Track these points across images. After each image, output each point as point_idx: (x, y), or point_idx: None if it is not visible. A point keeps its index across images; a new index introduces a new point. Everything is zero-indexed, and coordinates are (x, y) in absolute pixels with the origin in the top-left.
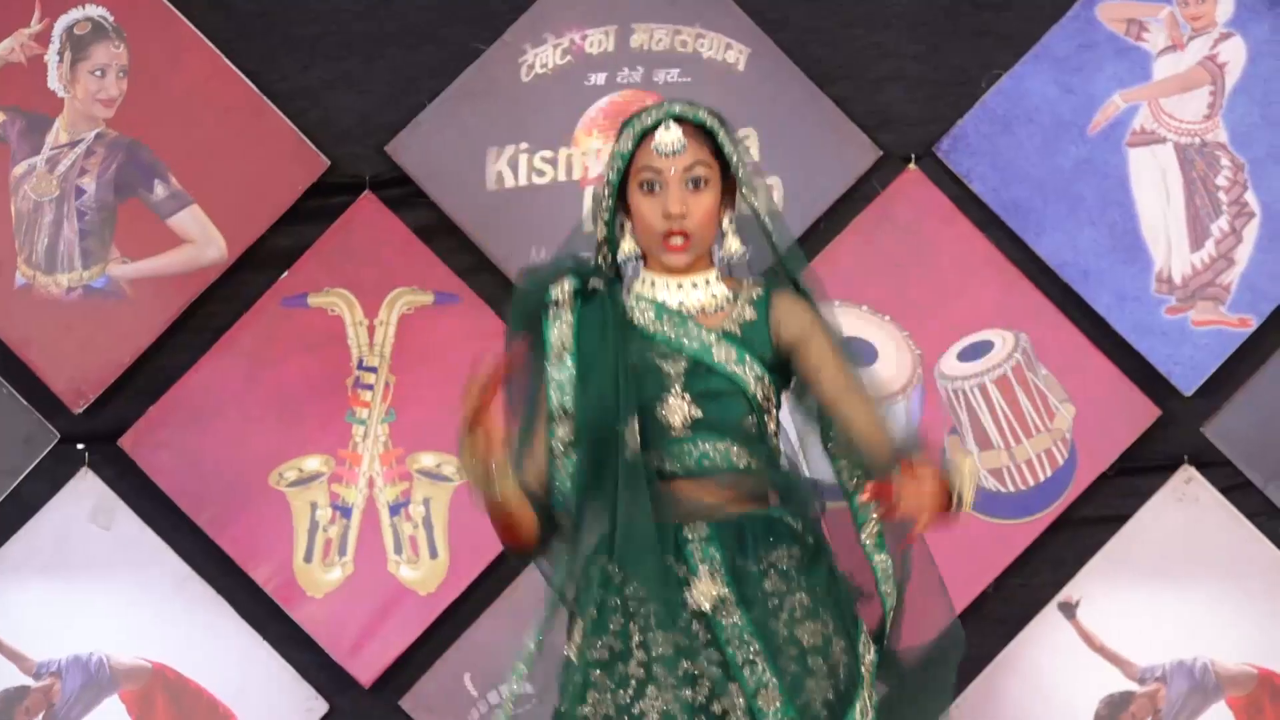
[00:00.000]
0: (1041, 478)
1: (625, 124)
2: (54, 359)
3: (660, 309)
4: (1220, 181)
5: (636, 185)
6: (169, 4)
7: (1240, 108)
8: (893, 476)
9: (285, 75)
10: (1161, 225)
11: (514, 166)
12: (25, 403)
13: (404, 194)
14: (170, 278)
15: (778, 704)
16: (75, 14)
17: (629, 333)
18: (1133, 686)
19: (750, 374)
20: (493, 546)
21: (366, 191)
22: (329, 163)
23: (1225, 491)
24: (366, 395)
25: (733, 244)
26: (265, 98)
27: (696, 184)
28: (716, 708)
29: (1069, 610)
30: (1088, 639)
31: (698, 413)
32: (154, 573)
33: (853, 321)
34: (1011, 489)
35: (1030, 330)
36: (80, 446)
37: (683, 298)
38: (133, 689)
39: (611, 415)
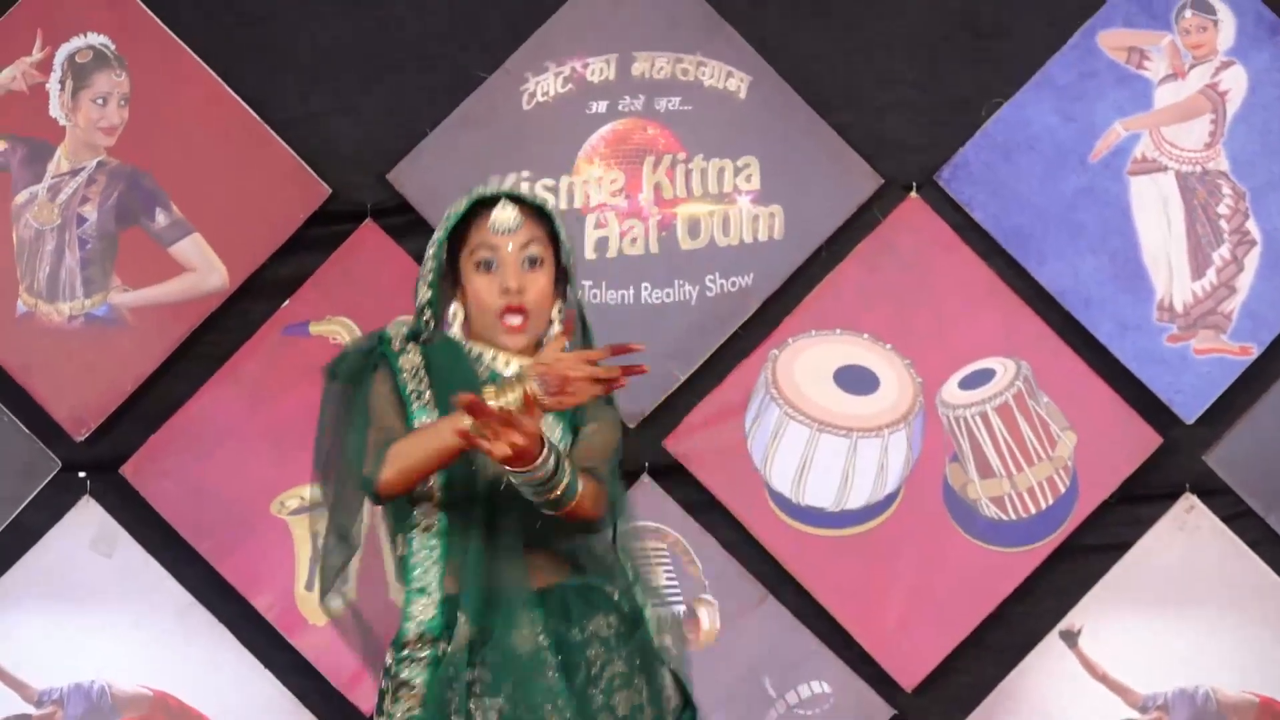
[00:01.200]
0: (1043, 506)
1: (464, 196)
2: (55, 387)
3: (492, 374)
4: (1222, 210)
5: (472, 265)
6: (170, 32)
7: (1241, 136)
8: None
9: (287, 103)
10: (1163, 253)
11: None
12: (27, 430)
13: (406, 222)
14: (172, 305)
15: None
16: (77, 42)
17: (477, 380)
18: (1135, 715)
19: (564, 446)
20: None
21: (368, 219)
22: (330, 190)
23: (1227, 520)
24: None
25: (557, 330)
26: (267, 126)
27: (533, 263)
28: None
29: (1071, 639)
30: (1090, 667)
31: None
32: (156, 601)
33: (854, 349)
34: (1013, 517)
35: (1032, 358)
36: (82, 474)
37: (501, 368)
38: (134, 717)
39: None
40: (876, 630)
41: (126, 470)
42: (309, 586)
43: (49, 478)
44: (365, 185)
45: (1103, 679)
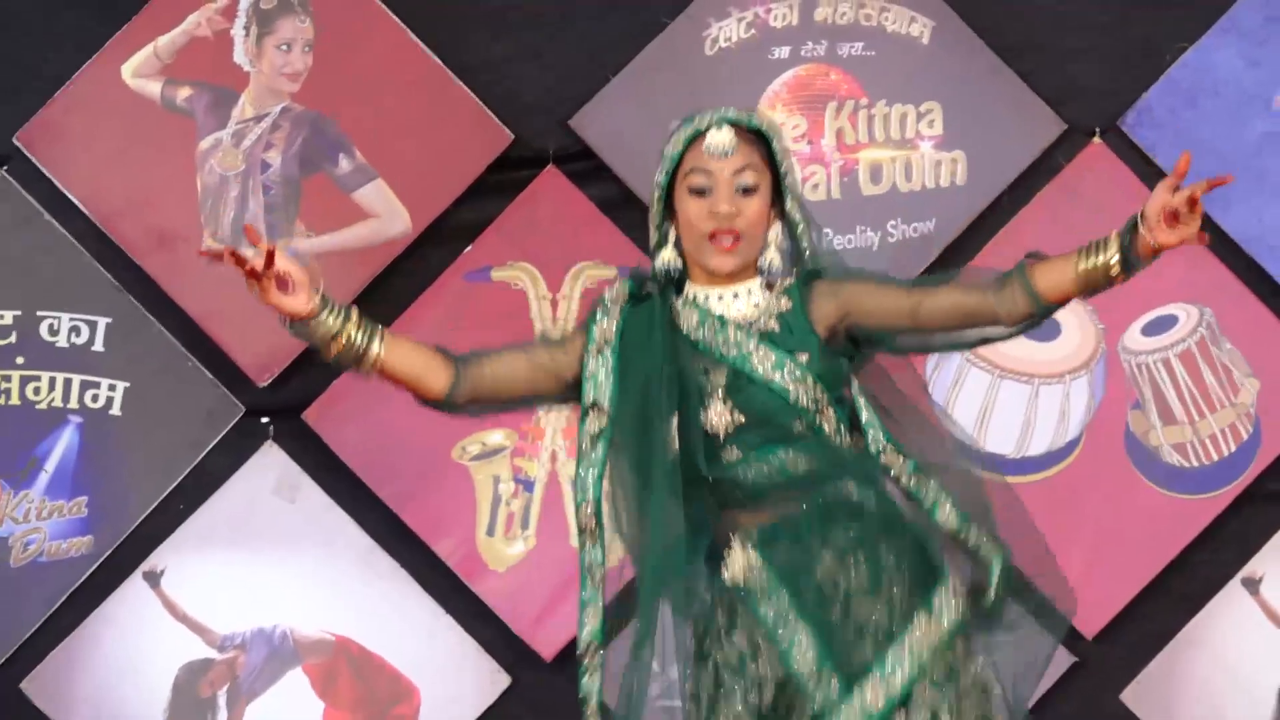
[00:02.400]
0: (1225, 453)
1: (677, 127)
2: (239, 333)
3: (704, 314)
4: None
5: (685, 189)
6: None
7: None
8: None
9: (469, 49)
10: None
11: None
12: (211, 376)
13: (587, 168)
14: (355, 251)
15: (811, 654)
16: None
17: (676, 337)
18: None
19: (789, 379)
20: None
21: (550, 165)
22: (513, 136)
23: None
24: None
25: (774, 258)
26: (450, 72)
27: (747, 191)
28: (781, 708)
29: (1253, 586)
30: (1272, 615)
31: (741, 419)
32: (338, 546)
33: None
34: (1195, 464)
35: (1215, 305)
36: (265, 420)
37: (724, 308)
38: (316, 662)
39: (655, 411)
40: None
41: (309, 416)
42: (490, 532)
43: (233, 423)
44: (547, 131)
45: None
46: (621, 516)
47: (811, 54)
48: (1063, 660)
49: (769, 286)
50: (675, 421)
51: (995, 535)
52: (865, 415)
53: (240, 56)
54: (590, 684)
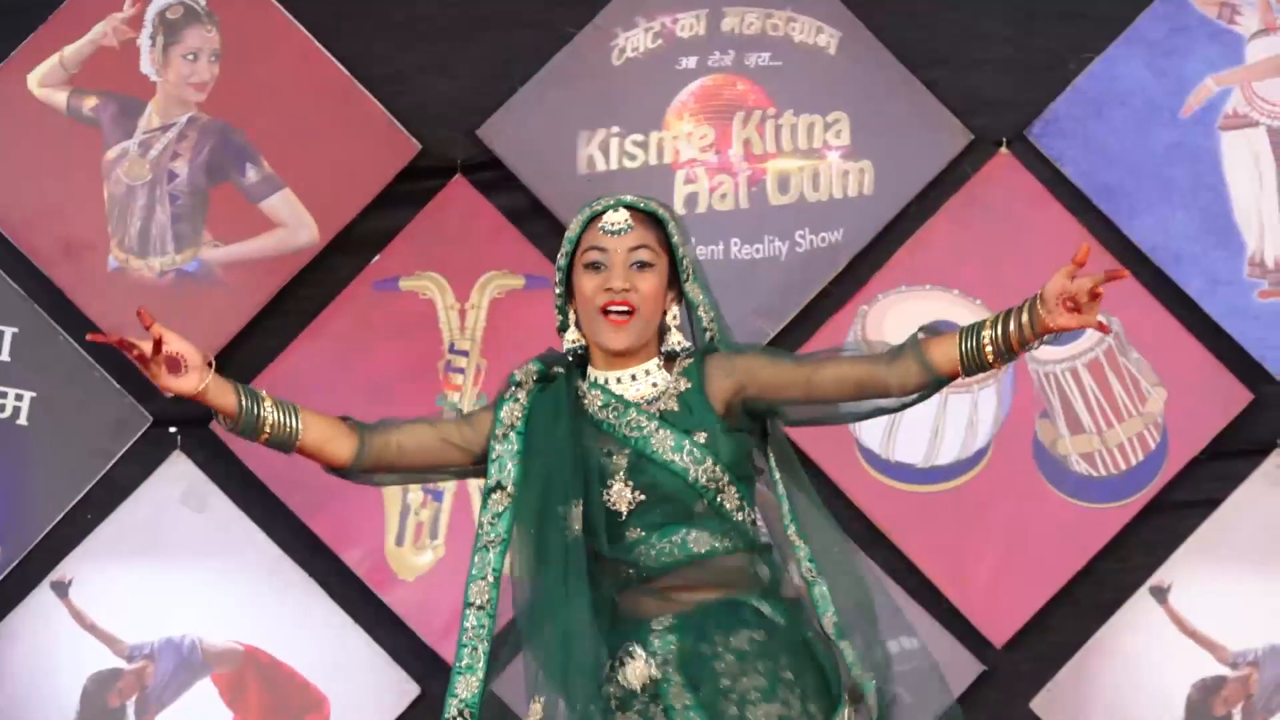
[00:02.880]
0: (1134, 462)
1: (578, 212)
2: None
3: (608, 396)
4: None
5: (582, 266)
6: None
7: None
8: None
9: (377, 59)
10: (1254, 209)
11: (605, 150)
12: (118, 386)
13: (495, 177)
14: (262, 261)
15: None
16: None
17: (580, 420)
18: (1225, 671)
19: (688, 459)
20: None
21: (458, 175)
22: (420, 146)
23: None
24: (458, 379)
25: (676, 336)
26: (357, 82)
27: (641, 266)
28: None
29: (1161, 595)
30: (1180, 623)
31: (642, 497)
32: (246, 556)
33: (944, 305)
34: (1103, 473)
35: (1122, 314)
36: (172, 430)
37: (624, 390)
38: (225, 671)
39: (558, 495)
40: (967, 586)
41: (217, 425)
42: (399, 541)
43: (140, 433)
44: (455, 141)
45: (1193, 635)
46: (519, 598)
47: (719, 64)
48: (972, 669)
49: (667, 366)
50: (581, 504)
51: (876, 652)
52: (781, 488)
53: (147, 66)
54: None
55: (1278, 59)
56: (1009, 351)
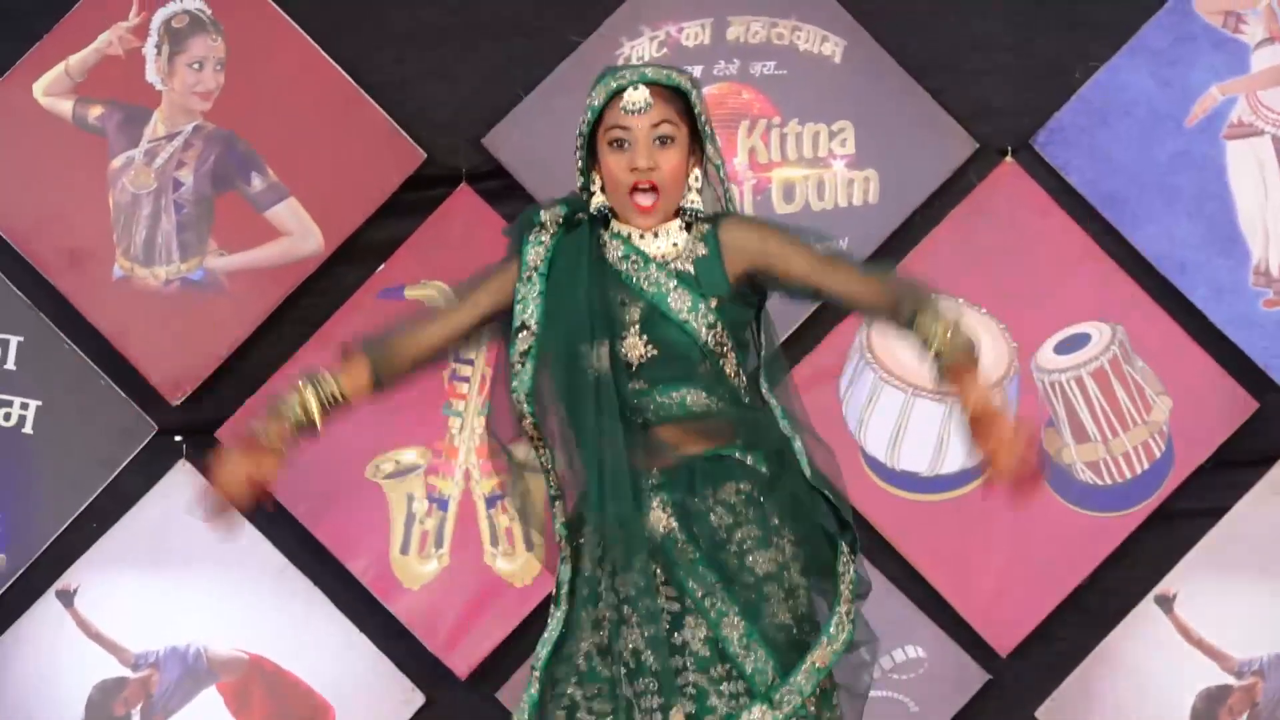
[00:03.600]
0: (1139, 470)
1: (598, 79)
2: (152, 351)
3: (629, 249)
4: None
5: (606, 144)
6: None
7: None
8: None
9: (382, 68)
10: (1259, 217)
11: None
12: (123, 394)
13: (501, 186)
14: (267, 270)
15: (740, 630)
16: (173, 7)
17: (603, 266)
18: (1230, 680)
19: (701, 322)
20: None
21: (463, 184)
22: (425, 155)
23: None
24: (463, 388)
25: (695, 199)
26: (362, 90)
27: (663, 141)
28: (677, 639)
29: (1166, 604)
30: (1185, 632)
31: (653, 352)
32: (251, 565)
33: None
34: (1108, 482)
35: (1127, 323)
36: (178, 438)
37: (646, 245)
38: (230, 680)
39: (580, 335)
40: (971, 595)
41: (222, 434)
42: (404, 550)
43: (145, 442)
44: (460, 150)
45: (1198, 644)
46: (553, 434)
47: (724, 73)
48: (977, 678)
49: (688, 227)
50: (606, 344)
51: (846, 505)
52: (764, 354)
53: (152, 75)
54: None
55: None
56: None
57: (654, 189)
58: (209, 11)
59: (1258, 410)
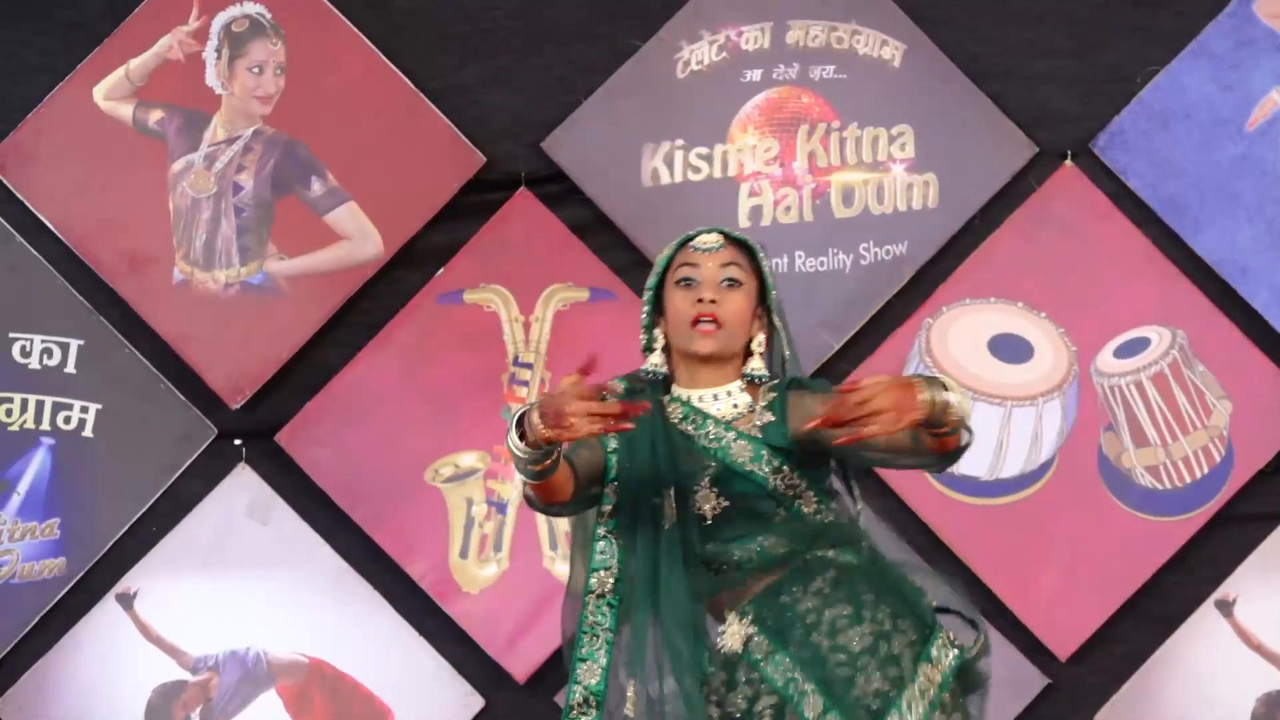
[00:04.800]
0: (1198, 475)
1: (671, 241)
2: (211, 355)
3: (688, 410)
4: None
5: (673, 284)
6: (327, 2)
7: None
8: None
9: (442, 73)
10: None
11: (669, 163)
12: (183, 398)
13: (560, 190)
14: (327, 274)
15: (817, 709)
16: (233, 11)
17: (668, 428)
18: None
19: (767, 469)
20: None
21: (522, 188)
22: (485, 159)
23: None
24: (522, 391)
25: (757, 363)
26: (422, 95)
27: (731, 283)
28: None
29: (1226, 608)
30: (1245, 637)
31: (725, 503)
32: (311, 568)
33: (1008, 317)
34: (1168, 486)
35: (1187, 327)
36: (237, 442)
37: (705, 407)
38: (290, 684)
39: (650, 488)
40: (1031, 599)
41: (282, 438)
42: (463, 554)
43: (205, 445)
44: (519, 154)
45: (1258, 649)
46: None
47: (783, 77)
48: (1036, 682)
49: (749, 391)
50: (673, 498)
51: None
52: (858, 505)
53: (212, 79)
54: None
55: None
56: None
57: (715, 321)
58: (269, 16)
59: None
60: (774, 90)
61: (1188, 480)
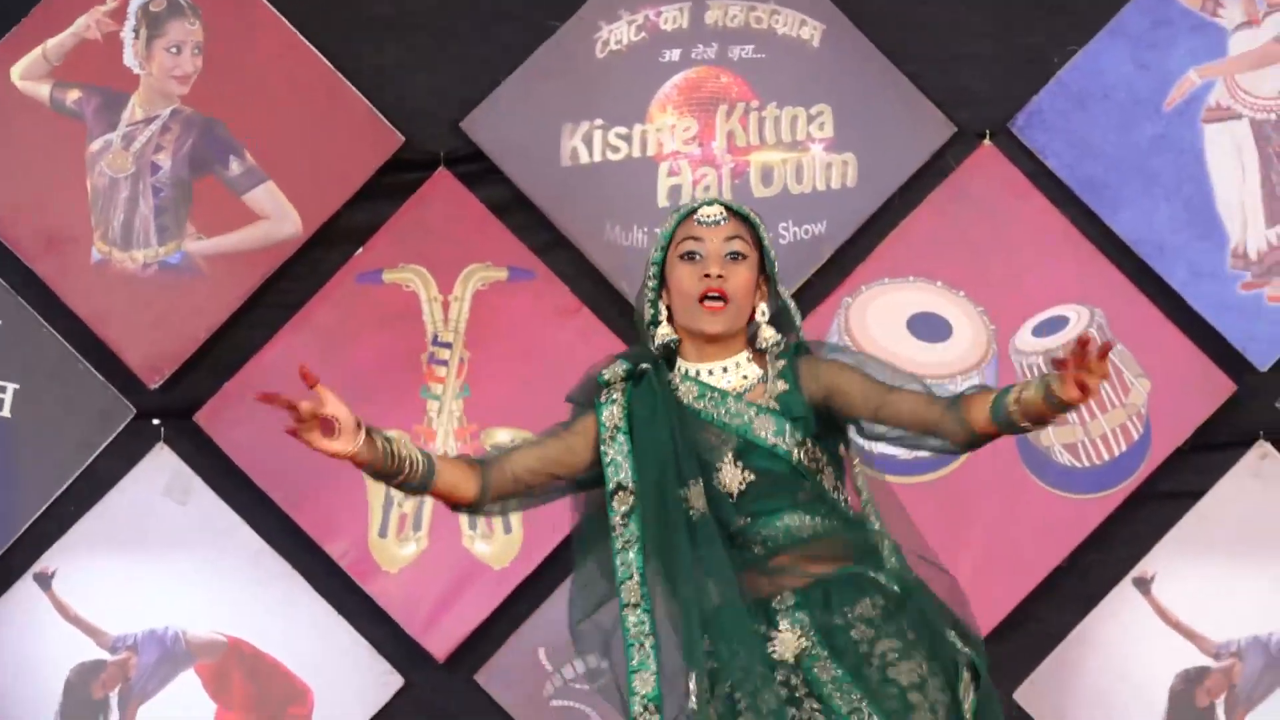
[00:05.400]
0: (1116, 453)
1: (672, 212)
2: (130, 335)
3: (703, 388)
4: None
5: (677, 257)
6: None
7: None
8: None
9: (360, 53)
10: (1237, 201)
11: (588, 143)
12: (101, 378)
13: (479, 170)
14: (245, 254)
15: None
16: None
17: (681, 411)
18: (1208, 662)
19: (791, 441)
20: (566, 521)
21: (441, 168)
22: (404, 139)
23: None
24: (441, 371)
25: (767, 333)
26: (340, 75)
27: (734, 257)
28: None
29: (1144, 586)
30: (1163, 614)
31: (751, 477)
32: (229, 548)
33: (927, 297)
34: (1086, 464)
35: (1105, 306)
36: (156, 422)
37: (717, 381)
38: (208, 663)
39: (672, 480)
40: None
41: (200, 417)
42: (382, 533)
43: (123, 425)
44: (438, 134)
45: (1175, 626)
46: (663, 585)
47: (702, 56)
48: None
49: (756, 360)
50: (702, 484)
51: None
52: (865, 494)
53: (130, 59)
54: None
55: (1260, 51)
56: (1036, 418)
57: (723, 297)
58: None
59: (1235, 393)
60: (693, 70)
61: (1106, 458)
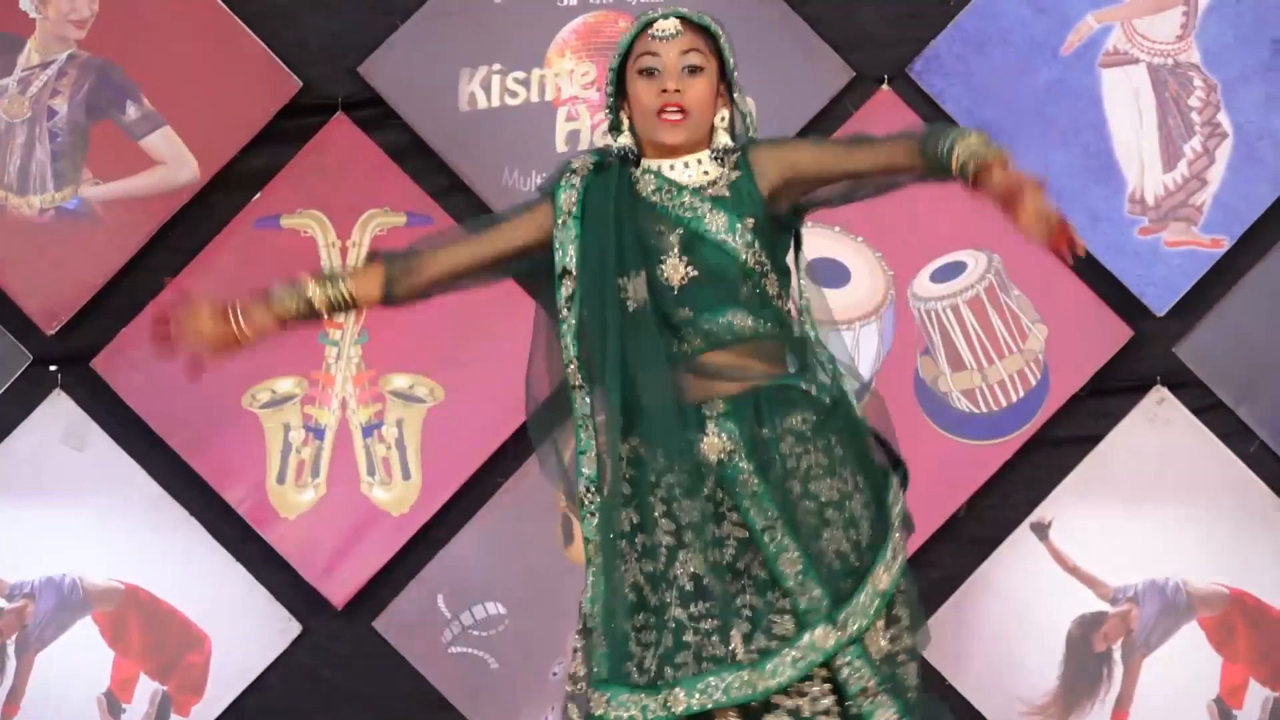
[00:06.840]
0: (1014, 398)
1: (635, 24)
2: (26, 280)
3: (661, 180)
4: (1193, 102)
5: (635, 72)
6: None
7: (1213, 28)
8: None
9: None
10: (1134, 146)
11: (486, 87)
12: None
13: (376, 115)
14: (142, 199)
15: (798, 567)
16: None
17: (635, 201)
18: (1105, 607)
19: (740, 241)
20: (466, 468)
21: (339, 113)
22: (301, 84)
23: (1197, 412)
24: (340, 316)
25: (723, 139)
26: (238, 19)
27: (692, 70)
28: (740, 565)
29: (1041, 531)
30: (1060, 560)
31: (694, 273)
32: (127, 494)
33: (825, 242)
34: (984, 410)
35: (1003, 251)
36: (52, 368)
37: (677, 175)
38: (106, 610)
39: (614, 268)
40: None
41: (97, 364)
42: (280, 480)
43: (19, 371)
44: (336, 78)
45: (1073, 571)
46: (595, 366)
47: (600, 1)
48: None
49: (718, 160)
50: (645, 275)
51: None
52: (804, 304)
53: (25, 3)
54: (590, 524)
55: None
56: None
57: (681, 110)
58: None
59: (1132, 338)
60: (591, 15)
61: (1004, 404)
